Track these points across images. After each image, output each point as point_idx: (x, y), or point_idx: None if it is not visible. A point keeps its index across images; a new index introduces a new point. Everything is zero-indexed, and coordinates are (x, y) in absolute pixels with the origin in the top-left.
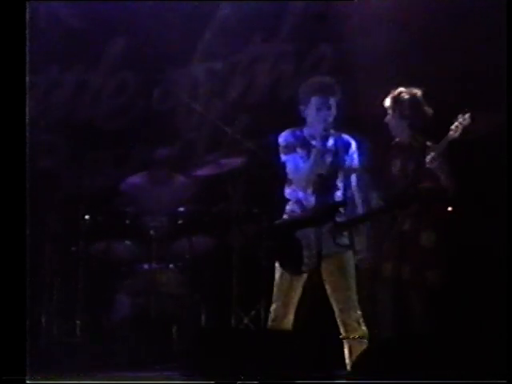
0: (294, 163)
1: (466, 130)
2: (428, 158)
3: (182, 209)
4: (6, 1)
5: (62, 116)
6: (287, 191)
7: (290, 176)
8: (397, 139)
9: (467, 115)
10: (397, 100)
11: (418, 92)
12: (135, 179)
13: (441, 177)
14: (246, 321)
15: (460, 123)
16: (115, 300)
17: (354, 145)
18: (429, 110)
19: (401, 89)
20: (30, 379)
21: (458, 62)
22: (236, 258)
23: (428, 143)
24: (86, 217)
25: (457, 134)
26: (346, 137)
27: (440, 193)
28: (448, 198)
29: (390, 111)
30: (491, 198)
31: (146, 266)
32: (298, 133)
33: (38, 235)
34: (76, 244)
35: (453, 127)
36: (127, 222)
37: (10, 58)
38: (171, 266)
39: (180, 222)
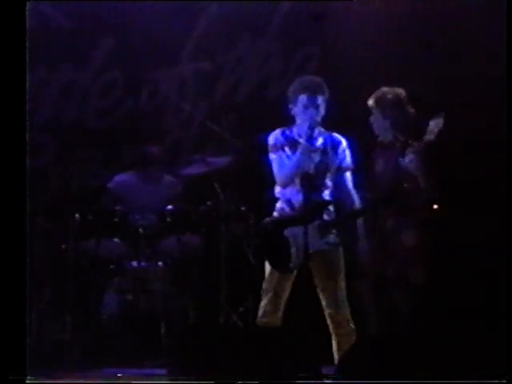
0: (279, 161)
1: (441, 132)
2: (406, 159)
3: (170, 207)
4: (6, 1)
5: (51, 115)
6: (276, 190)
7: (276, 174)
8: (380, 138)
9: (440, 119)
10: (380, 100)
11: (401, 92)
12: (124, 178)
13: (419, 177)
14: (234, 318)
15: (434, 127)
16: (104, 298)
17: (344, 143)
18: (411, 110)
19: (384, 88)
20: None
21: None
22: (224, 256)
23: (410, 143)
24: (76, 215)
25: (432, 137)
26: (336, 135)
27: (418, 192)
28: (427, 198)
29: (373, 111)
30: (472, 197)
31: (134, 264)
32: (287, 132)
33: (28, 233)
34: (66, 242)
35: (428, 130)
36: (116, 220)
37: (10, 58)
38: (160, 263)
39: (168, 220)
